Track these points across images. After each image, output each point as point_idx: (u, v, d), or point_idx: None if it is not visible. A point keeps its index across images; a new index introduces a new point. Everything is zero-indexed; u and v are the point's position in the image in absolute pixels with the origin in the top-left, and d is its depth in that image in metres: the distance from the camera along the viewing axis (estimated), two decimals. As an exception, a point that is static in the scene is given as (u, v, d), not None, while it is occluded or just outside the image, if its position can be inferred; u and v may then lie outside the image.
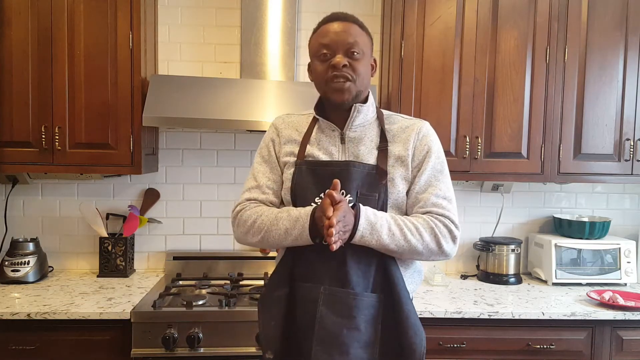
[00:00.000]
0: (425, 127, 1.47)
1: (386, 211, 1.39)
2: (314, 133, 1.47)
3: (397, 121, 1.49)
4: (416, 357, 1.37)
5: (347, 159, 1.42)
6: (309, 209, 1.36)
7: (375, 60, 1.47)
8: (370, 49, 1.44)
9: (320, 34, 1.41)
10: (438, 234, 1.37)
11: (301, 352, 1.38)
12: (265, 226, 1.40)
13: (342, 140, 1.45)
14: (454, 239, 1.39)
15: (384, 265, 1.38)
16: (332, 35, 1.38)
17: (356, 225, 1.30)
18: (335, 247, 1.23)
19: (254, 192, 1.48)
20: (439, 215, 1.39)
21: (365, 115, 1.45)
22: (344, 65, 1.36)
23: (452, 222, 1.40)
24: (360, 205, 1.33)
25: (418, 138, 1.44)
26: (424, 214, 1.40)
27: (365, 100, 1.46)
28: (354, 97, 1.41)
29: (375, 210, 1.35)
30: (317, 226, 1.32)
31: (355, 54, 1.38)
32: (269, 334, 1.42)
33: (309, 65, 1.48)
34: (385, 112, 1.52)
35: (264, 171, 1.50)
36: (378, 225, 1.33)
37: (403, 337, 1.36)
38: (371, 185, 1.39)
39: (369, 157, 1.42)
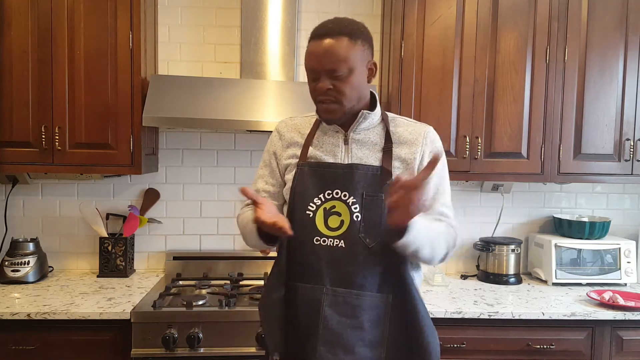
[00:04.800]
0: (432, 133, 1.47)
1: None
2: (316, 134, 1.48)
3: (401, 124, 1.48)
4: (433, 357, 1.38)
5: (350, 162, 1.42)
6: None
7: (375, 64, 1.43)
8: (364, 57, 1.38)
9: (307, 52, 1.39)
10: (450, 246, 1.42)
11: (305, 353, 1.38)
12: (243, 230, 1.51)
13: (346, 141, 1.44)
14: (454, 246, 1.44)
15: (396, 266, 1.38)
16: (314, 59, 1.35)
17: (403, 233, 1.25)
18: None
19: None
20: (449, 224, 1.43)
21: (371, 120, 1.45)
22: (328, 89, 1.35)
23: (457, 232, 1.44)
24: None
25: (425, 143, 1.44)
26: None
27: (371, 106, 1.46)
28: (344, 115, 1.40)
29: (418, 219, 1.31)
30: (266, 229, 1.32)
31: (340, 75, 1.34)
32: (275, 335, 1.42)
33: None
34: (389, 114, 1.51)
35: (262, 174, 1.56)
36: (427, 231, 1.31)
37: (418, 337, 1.37)
38: (376, 187, 1.38)
39: (373, 159, 1.42)
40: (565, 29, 2.36)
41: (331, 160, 1.43)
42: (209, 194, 2.66)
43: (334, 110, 1.38)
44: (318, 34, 1.37)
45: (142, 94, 2.26)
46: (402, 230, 1.24)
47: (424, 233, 1.30)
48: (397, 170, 1.41)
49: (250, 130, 2.38)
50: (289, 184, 1.45)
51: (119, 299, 2.13)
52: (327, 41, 1.34)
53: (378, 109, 1.46)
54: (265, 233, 1.36)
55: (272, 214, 1.29)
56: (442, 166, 1.47)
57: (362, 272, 1.36)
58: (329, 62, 1.33)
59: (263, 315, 1.47)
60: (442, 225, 1.40)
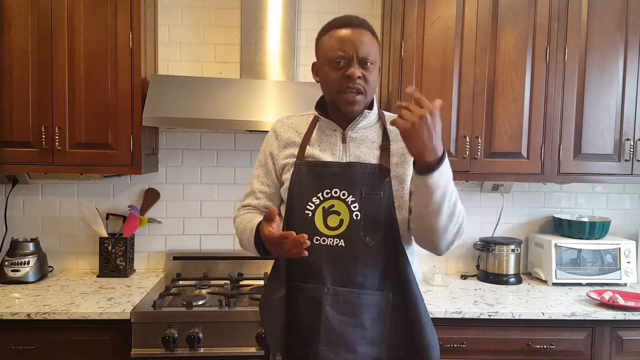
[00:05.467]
0: None
1: (394, 208, 1.38)
2: (314, 133, 1.47)
3: None
4: (434, 354, 1.38)
5: (348, 160, 1.42)
6: (255, 223, 1.39)
7: (380, 66, 1.45)
8: (379, 55, 1.42)
9: (334, 39, 1.37)
10: (463, 220, 1.36)
11: (307, 352, 1.38)
12: (239, 234, 1.49)
13: (344, 140, 1.44)
14: (464, 224, 1.37)
15: (396, 264, 1.38)
16: (349, 44, 1.35)
17: (443, 157, 1.23)
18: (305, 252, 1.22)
19: (249, 198, 1.56)
20: None
21: (369, 118, 1.45)
22: (359, 77, 1.35)
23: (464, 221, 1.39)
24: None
25: None
26: None
27: (370, 105, 1.46)
28: (363, 107, 1.42)
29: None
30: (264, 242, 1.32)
31: (369, 64, 1.36)
32: (276, 336, 1.42)
33: (314, 65, 1.47)
34: (386, 113, 1.52)
35: (258, 175, 1.55)
36: (449, 174, 1.28)
37: (417, 335, 1.37)
38: (375, 185, 1.38)
39: (371, 157, 1.42)
40: (565, 29, 2.36)
41: (329, 159, 1.42)
42: (209, 194, 2.66)
43: (358, 101, 1.38)
44: (346, 23, 1.38)
45: (142, 94, 2.26)
46: (432, 163, 1.22)
47: (448, 177, 1.27)
48: (395, 165, 1.41)
49: (250, 130, 2.38)
50: (286, 184, 1.45)
51: (119, 299, 2.13)
52: (360, 30, 1.37)
53: (375, 107, 1.47)
54: (264, 246, 1.36)
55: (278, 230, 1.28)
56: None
57: (363, 270, 1.36)
58: (364, 50, 1.35)
59: (264, 316, 1.47)
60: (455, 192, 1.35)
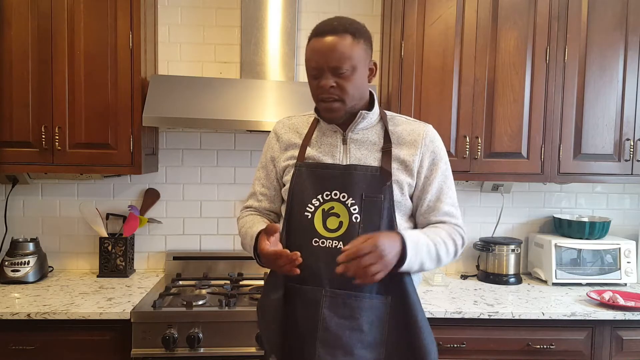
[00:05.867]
0: (431, 132, 1.46)
1: (393, 212, 1.38)
2: (314, 134, 1.47)
3: (400, 123, 1.47)
4: (432, 358, 1.39)
5: (349, 162, 1.41)
6: (255, 231, 1.41)
7: (375, 64, 1.43)
8: (366, 57, 1.39)
9: (310, 49, 1.37)
10: (458, 247, 1.44)
11: (304, 354, 1.37)
12: (242, 237, 1.52)
13: (344, 141, 1.44)
14: (463, 245, 1.46)
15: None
16: (320, 55, 1.34)
17: (404, 257, 1.29)
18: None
19: (251, 199, 1.58)
20: (454, 225, 1.45)
21: (369, 119, 1.44)
22: (332, 86, 1.34)
23: (464, 231, 1.46)
24: (402, 232, 1.32)
25: (425, 144, 1.43)
26: (437, 222, 1.44)
27: (369, 106, 1.45)
28: (345, 113, 1.40)
29: (413, 233, 1.35)
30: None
31: (344, 72, 1.33)
32: (271, 337, 1.43)
33: None
34: (388, 113, 1.50)
35: (259, 177, 1.56)
36: (421, 251, 1.34)
37: (415, 339, 1.37)
38: (376, 188, 1.38)
39: (372, 159, 1.41)
40: (565, 29, 2.36)
41: (329, 161, 1.42)
42: (209, 194, 2.66)
43: (336, 108, 1.37)
44: (322, 31, 1.36)
45: (142, 94, 2.26)
46: (398, 260, 1.28)
47: (423, 249, 1.34)
48: (397, 170, 1.41)
49: (250, 130, 2.38)
50: (287, 185, 1.45)
51: (119, 299, 2.13)
52: (332, 38, 1.34)
53: (376, 108, 1.46)
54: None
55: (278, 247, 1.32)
56: (446, 165, 1.46)
57: None
58: (333, 59, 1.33)
59: (261, 317, 1.47)
60: (441, 232, 1.41)
